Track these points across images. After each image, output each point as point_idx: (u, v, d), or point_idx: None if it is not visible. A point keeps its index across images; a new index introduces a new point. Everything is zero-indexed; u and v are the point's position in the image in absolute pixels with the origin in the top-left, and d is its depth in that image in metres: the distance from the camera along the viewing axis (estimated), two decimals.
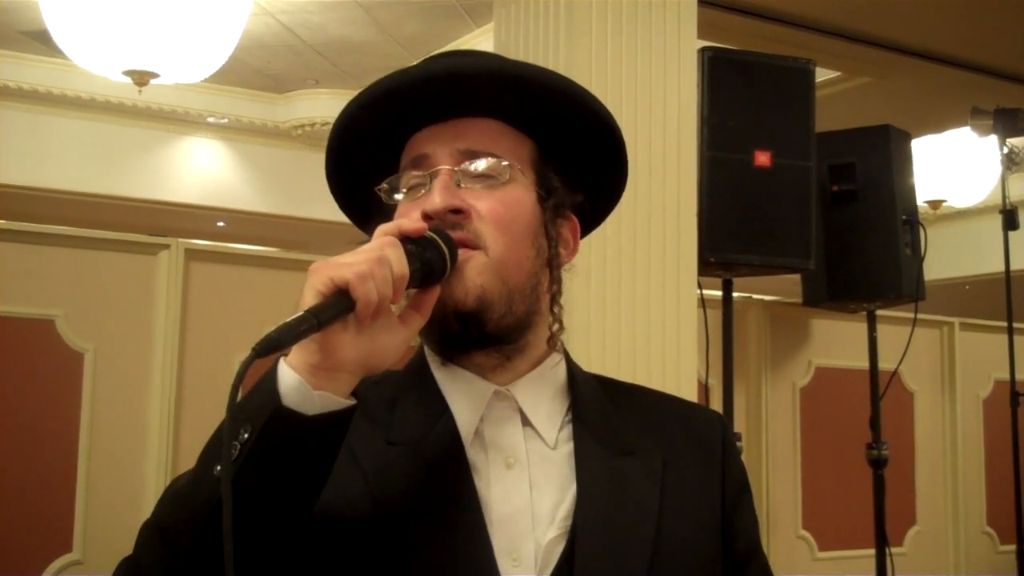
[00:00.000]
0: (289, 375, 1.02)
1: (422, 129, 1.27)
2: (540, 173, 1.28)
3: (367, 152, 1.30)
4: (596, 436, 1.25)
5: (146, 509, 3.12)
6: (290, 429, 1.01)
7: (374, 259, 1.03)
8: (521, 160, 1.26)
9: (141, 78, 5.09)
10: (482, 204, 1.21)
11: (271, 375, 1.03)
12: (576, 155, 1.32)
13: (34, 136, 8.98)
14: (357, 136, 1.30)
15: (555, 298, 1.27)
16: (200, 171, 9.82)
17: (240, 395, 1.00)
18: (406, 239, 1.10)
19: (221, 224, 10.61)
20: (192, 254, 3.34)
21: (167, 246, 3.30)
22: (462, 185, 1.22)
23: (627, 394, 1.37)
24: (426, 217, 1.19)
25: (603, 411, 1.29)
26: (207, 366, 3.32)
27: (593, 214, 1.39)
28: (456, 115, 1.25)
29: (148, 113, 9.24)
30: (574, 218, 1.33)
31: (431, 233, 1.14)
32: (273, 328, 0.96)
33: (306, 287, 1.02)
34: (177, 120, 9.52)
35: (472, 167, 1.22)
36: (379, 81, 1.26)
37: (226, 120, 9.56)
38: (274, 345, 0.95)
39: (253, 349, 0.94)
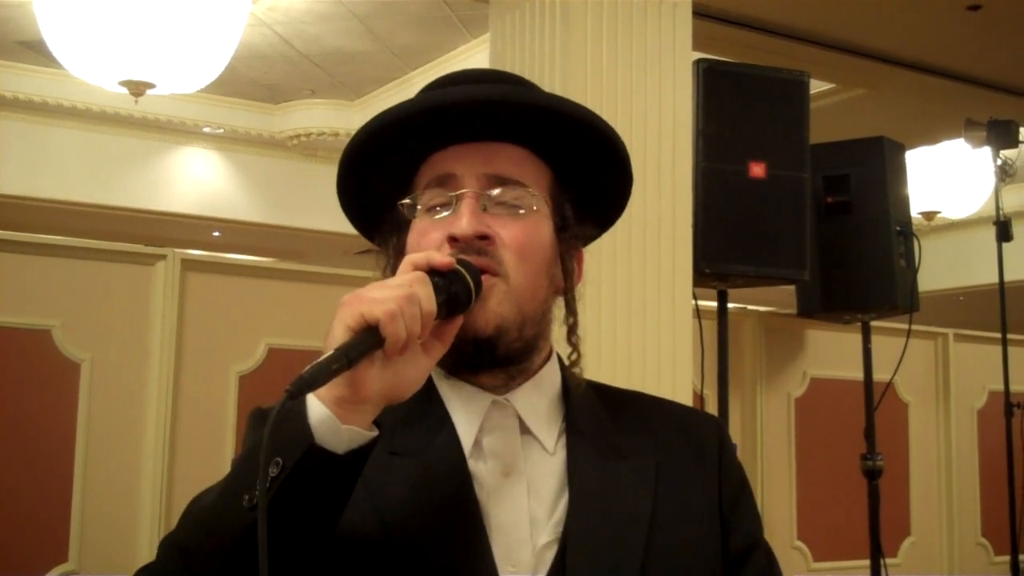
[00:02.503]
0: (318, 409, 1.04)
1: (447, 147, 1.27)
2: (556, 202, 1.30)
3: (383, 166, 1.30)
4: (590, 442, 1.26)
5: (142, 518, 3.14)
6: (322, 467, 1.03)
7: (403, 296, 1.05)
8: (542, 189, 1.28)
9: (137, 88, 5.09)
10: (506, 232, 1.22)
11: (300, 408, 1.04)
12: (587, 184, 1.34)
13: (30, 146, 8.98)
14: (376, 150, 1.30)
15: (572, 329, 1.31)
16: (196, 181, 9.82)
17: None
18: (433, 272, 1.12)
19: (217, 234, 10.60)
20: (188, 264, 3.35)
21: (164, 256, 3.31)
22: (487, 210, 1.23)
23: (622, 400, 1.38)
24: (451, 240, 1.20)
25: (597, 417, 1.31)
26: (203, 376, 3.33)
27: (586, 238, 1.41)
28: (483, 138, 1.26)
29: (144, 123, 9.24)
30: (581, 249, 1.36)
31: (458, 266, 1.15)
32: (306, 368, 0.98)
33: (336, 321, 1.04)
34: (173, 130, 9.53)
35: (499, 194, 1.24)
36: (410, 101, 1.26)
37: (222, 130, 9.56)
38: (307, 386, 0.97)
39: (286, 391, 0.96)
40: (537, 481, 1.22)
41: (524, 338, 1.23)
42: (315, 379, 0.97)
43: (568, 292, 1.30)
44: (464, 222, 1.20)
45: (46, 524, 3.07)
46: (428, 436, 1.23)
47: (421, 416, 1.25)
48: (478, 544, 1.16)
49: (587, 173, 1.33)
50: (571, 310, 1.31)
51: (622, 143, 1.32)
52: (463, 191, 1.23)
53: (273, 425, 1.02)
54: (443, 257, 1.14)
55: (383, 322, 1.02)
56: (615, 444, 1.28)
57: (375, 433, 1.07)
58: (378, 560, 1.15)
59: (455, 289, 1.13)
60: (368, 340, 1.03)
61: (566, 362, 1.34)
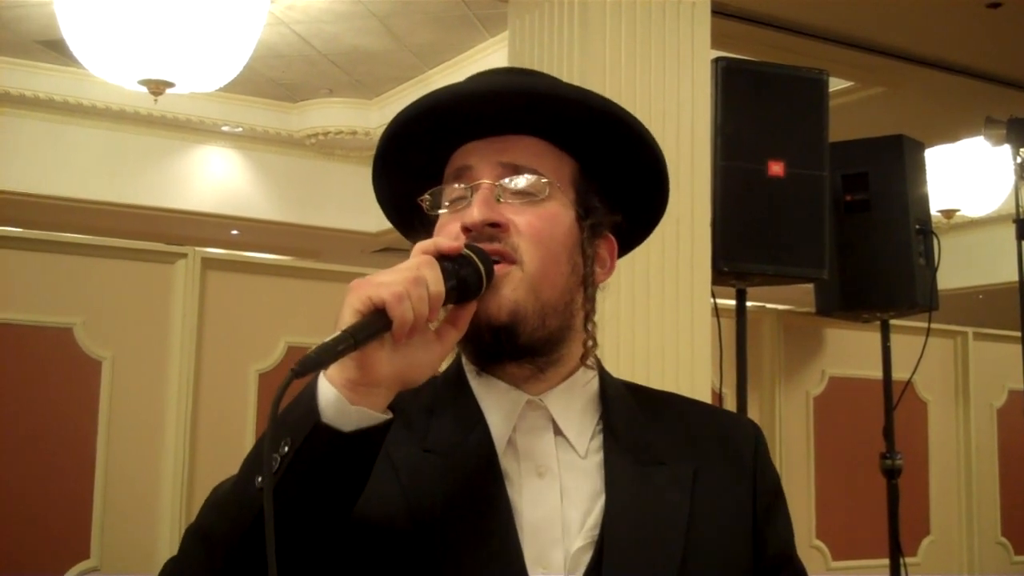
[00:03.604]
0: (328, 390, 1.05)
1: (467, 143, 1.29)
2: (580, 192, 1.29)
3: (413, 163, 1.32)
4: (626, 446, 1.26)
5: (163, 516, 3.15)
6: (328, 444, 1.04)
7: (410, 279, 1.06)
8: (562, 178, 1.28)
9: (157, 87, 5.12)
10: (520, 219, 1.23)
11: (311, 389, 1.06)
12: (618, 177, 1.33)
13: (49, 145, 9.02)
14: (404, 146, 1.32)
15: (588, 316, 1.29)
16: (214, 180, 9.86)
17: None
18: (443, 257, 1.12)
19: (235, 232, 10.64)
20: (209, 263, 3.37)
21: (184, 255, 3.32)
22: (502, 200, 1.24)
23: (659, 402, 1.37)
24: (465, 230, 1.21)
25: (634, 421, 1.30)
26: (223, 374, 3.34)
27: (632, 236, 1.41)
28: (501, 132, 1.28)
29: (163, 122, 9.28)
30: (612, 238, 1.35)
31: (467, 251, 1.16)
32: (313, 348, 0.99)
33: (344, 305, 1.05)
34: (191, 129, 9.57)
35: (512, 182, 1.24)
36: (427, 95, 1.28)
37: (240, 129, 9.59)
38: (313, 365, 0.98)
39: (292, 369, 0.97)
40: (570, 484, 1.22)
41: (547, 327, 1.23)
42: (321, 359, 0.98)
43: (587, 278, 1.29)
44: (475, 211, 1.22)
45: (67, 521, 3.09)
46: (462, 434, 1.23)
47: (455, 413, 1.26)
48: (509, 544, 1.17)
49: (611, 160, 1.32)
50: (588, 296, 1.30)
51: (640, 124, 1.31)
52: (477, 182, 1.25)
53: (284, 408, 1.04)
54: (450, 242, 1.15)
55: (390, 304, 1.03)
56: (652, 449, 1.27)
57: (388, 416, 1.08)
58: (408, 556, 1.15)
59: (464, 273, 1.14)
60: (376, 322, 1.03)
61: (584, 351, 1.31)
